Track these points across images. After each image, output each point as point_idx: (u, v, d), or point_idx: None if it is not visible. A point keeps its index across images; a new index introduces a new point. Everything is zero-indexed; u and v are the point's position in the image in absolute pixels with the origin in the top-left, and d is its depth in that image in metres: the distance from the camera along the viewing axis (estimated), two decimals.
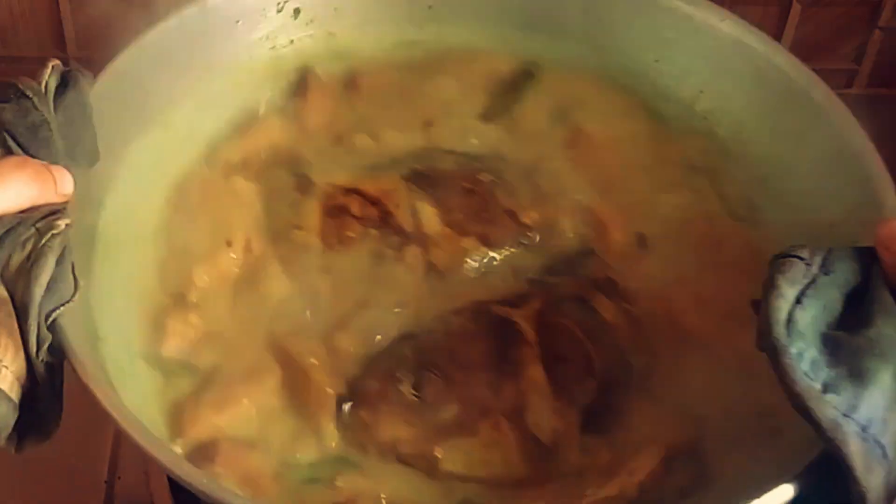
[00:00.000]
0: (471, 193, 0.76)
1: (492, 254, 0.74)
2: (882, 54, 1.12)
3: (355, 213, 0.75)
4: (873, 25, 1.10)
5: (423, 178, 0.76)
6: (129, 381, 0.67)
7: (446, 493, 0.65)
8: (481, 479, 0.64)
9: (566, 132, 0.81)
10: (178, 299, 0.72)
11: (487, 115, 0.82)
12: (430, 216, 0.74)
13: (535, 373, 0.67)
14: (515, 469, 0.65)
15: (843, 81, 1.13)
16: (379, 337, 0.69)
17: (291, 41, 0.84)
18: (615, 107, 0.82)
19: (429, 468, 0.65)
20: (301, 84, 0.84)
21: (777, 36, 1.08)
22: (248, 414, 0.67)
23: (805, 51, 1.04)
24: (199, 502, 0.63)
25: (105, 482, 0.88)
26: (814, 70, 1.02)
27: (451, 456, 0.65)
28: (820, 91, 0.76)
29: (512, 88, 0.83)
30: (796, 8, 1.07)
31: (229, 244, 0.74)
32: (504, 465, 0.65)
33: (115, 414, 0.59)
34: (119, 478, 0.88)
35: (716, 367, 0.69)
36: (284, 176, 0.78)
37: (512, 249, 0.74)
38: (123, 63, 0.75)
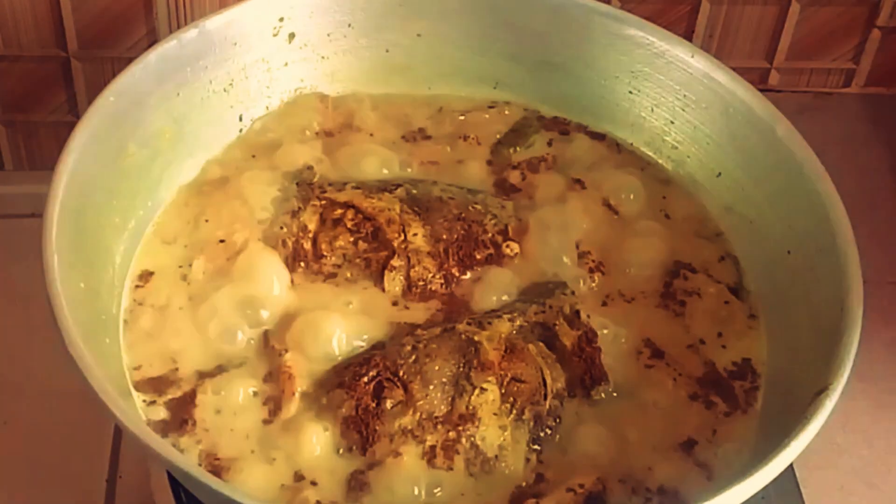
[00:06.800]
0: (460, 220, 0.85)
1: (470, 277, 0.84)
2: (880, 54, 1.17)
3: (349, 226, 0.85)
4: (871, 25, 1.15)
5: (418, 202, 0.85)
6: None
7: None
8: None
9: (562, 178, 0.92)
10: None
11: (487, 154, 0.93)
12: (418, 235, 0.84)
13: (490, 391, 0.77)
14: (459, 477, 0.74)
15: (841, 81, 1.19)
16: (352, 343, 0.80)
17: (286, 63, 0.94)
18: (610, 160, 0.93)
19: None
20: (307, 104, 0.95)
21: (776, 35, 1.15)
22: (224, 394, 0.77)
23: (804, 50, 1.15)
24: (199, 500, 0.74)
25: (106, 481, 0.91)
26: (812, 69, 1.16)
27: (399, 461, 0.74)
28: (782, 125, 0.85)
29: (513, 132, 0.95)
30: (795, 7, 1.12)
31: (223, 242, 0.85)
32: (448, 473, 0.74)
33: (117, 413, 0.67)
34: (120, 476, 0.92)
35: (657, 402, 0.80)
36: (287, 186, 0.88)
37: (490, 275, 0.84)
38: (124, 82, 0.84)
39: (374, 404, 0.76)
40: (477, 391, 0.77)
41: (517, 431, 0.77)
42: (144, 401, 0.78)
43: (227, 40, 0.91)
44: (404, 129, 0.95)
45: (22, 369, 0.98)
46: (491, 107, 0.97)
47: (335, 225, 0.86)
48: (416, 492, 0.74)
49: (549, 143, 0.95)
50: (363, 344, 0.81)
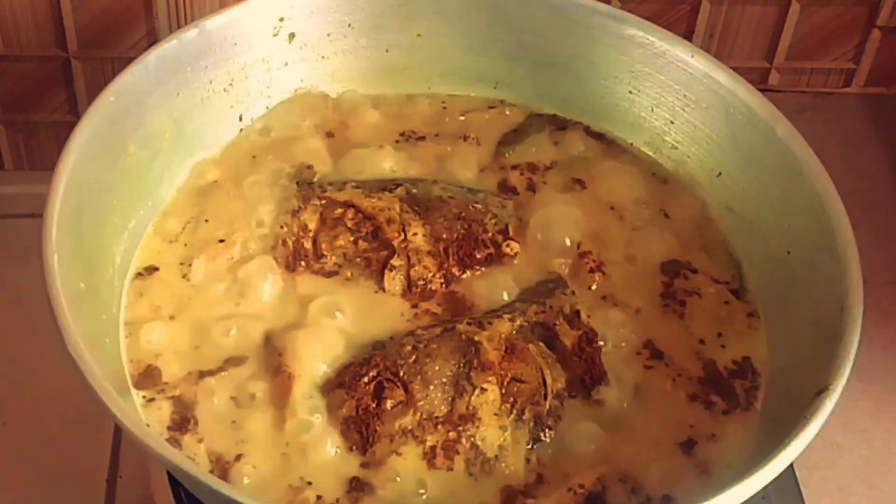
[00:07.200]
0: (460, 219, 0.86)
1: (470, 276, 0.84)
2: (880, 54, 1.17)
3: (349, 225, 0.85)
4: (871, 25, 1.15)
5: (418, 202, 0.86)
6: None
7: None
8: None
9: (562, 178, 0.92)
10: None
11: (487, 154, 0.93)
12: (418, 235, 0.84)
13: (490, 391, 0.77)
14: (459, 477, 0.75)
15: (841, 81, 1.20)
16: (352, 343, 0.80)
17: (286, 63, 0.94)
18: (610, 160, 0.93)
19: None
20: (307, 104, 0.95)
21: (776, 35, 1.15)
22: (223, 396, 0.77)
23: (804, 50, 1.16)
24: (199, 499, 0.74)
25: (106, 481, 0.92)
26: (812, 69, 1.16)
27: (399, 461, 0.74)
28: (782, 125, 0.85)
29: (514, 132, 0.95)
30: (795, 7, 1.13)
31: (223, 241, 0.85)
32: (448, 474, 0.75)
33: (117, 413, 0.67)
34: (120, 476, 0.92)
35: (657, 402, 0.80)
36: (288, 186, 0.88)
37: (490, 274, 0.84)
38: (124, 82, 0.84)
39: (374, 404, 0.76)
40: (477, 391, 0.77)
41: (517, 432, 0.77)
42: (144, 397, 0.78)
43: (227, 40, 0.91)
44: (404, 128, 0.95)
45: (22, 369, 0.98)
46: (491, 107, 0.97)
47: (335, 224, 0.86)
48: (417, 492, 0.74)
49: (550, 143, 0.95)
50: (363, 344, 0.80)
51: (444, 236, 0.85)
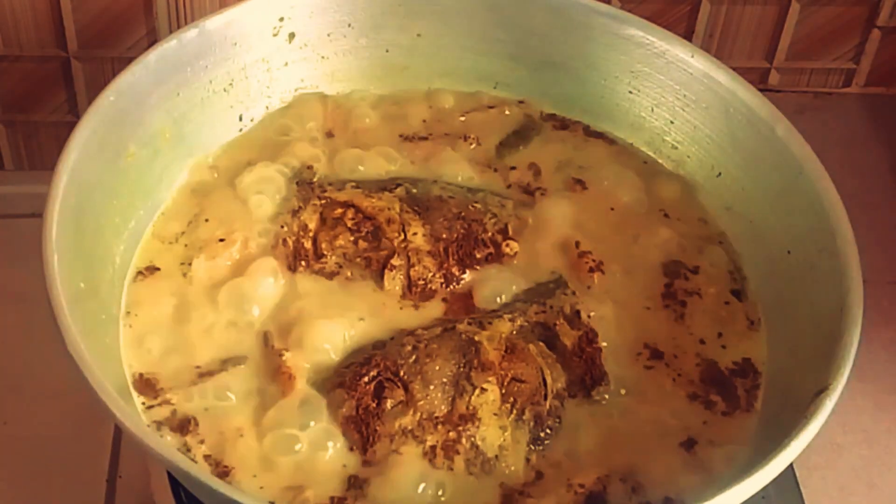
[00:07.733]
0: (460, 219, 0.86)
1: (470, 276, 0.84)
2: (880, 54, 1.18)
3: (349, 225, 0.86)
4: (871, 25, 1.15)
5: (418, 202, 0.86)
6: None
7: None
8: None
9: (562, 178, 0.92)
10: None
11: (487, 154, 0.93)
12: (417, 235, 0.85)
13: (490, 391, 0.77)
14: (459, 477, 0.75)
15: (841, 81, 1.20)
16: (351, 343, 0.80)
17: (286, 63, 0.94)
18: (610, 160, 0.93)
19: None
20: (308, 104, 0.95)
21: (776, 35, 1.15)
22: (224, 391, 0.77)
23: (804, 50, 1.16)
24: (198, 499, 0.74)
25: (106, 481, 0.92)
26: (812, 69, 1.16)
27: (400, 461, 0.74)
28: (782, 125, 0.85)
29: (514, 132, 0.95)
30: (795, 7, 1.13)
31: (223, 241, 0.85)
32: (448, 473, 0.75)
33: (117, 413, 0.67)
34: (120, 476, 0.92)
35: (657, 402, 0.80)
36: (288, 186, 0.88)
37: (489, 274, 0.84)
38: (124, 82, 0.84)
39: (374, 404, 0.76)
40: (477, 391, 0.77)
41: (517, 431, 0.77)
42: (143, 403, 0.78)
43: (227, 40, 0.91)
44: (404, 128, 0.95)
45: (22, 369, 0.98)
46: (491, 107, 0.97)
47: (335, 224, 0.86)
48: (417, 492, 0.74)
49: (550, 143, 0.95)
50: (364, 344, 0.81)
51: (444, 236, 0.86)
